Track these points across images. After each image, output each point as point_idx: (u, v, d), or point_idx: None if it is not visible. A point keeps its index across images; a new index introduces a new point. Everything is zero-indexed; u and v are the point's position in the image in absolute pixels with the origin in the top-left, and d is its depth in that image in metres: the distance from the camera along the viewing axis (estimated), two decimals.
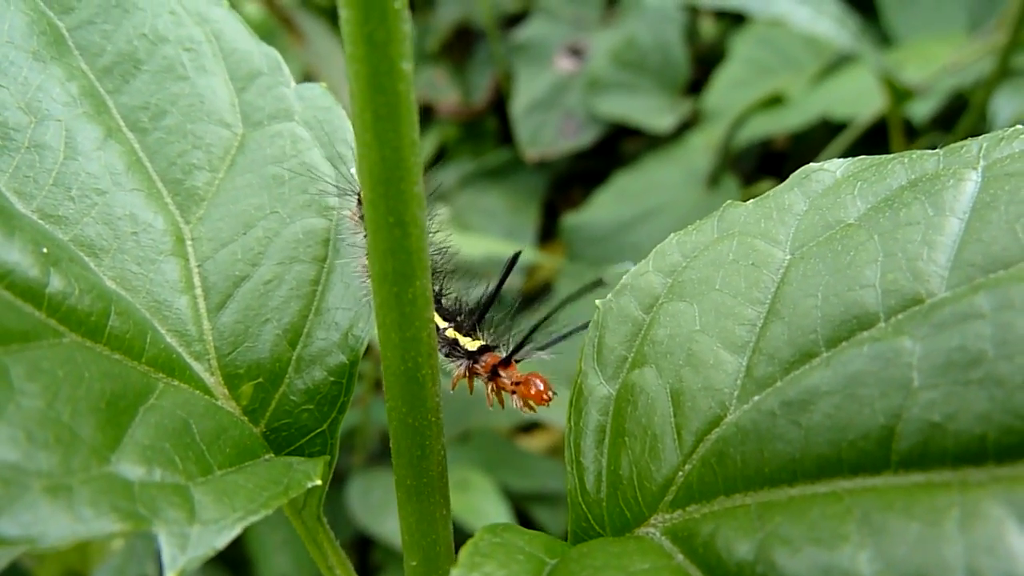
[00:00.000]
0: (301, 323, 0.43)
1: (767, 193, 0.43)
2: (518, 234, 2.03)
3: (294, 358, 0.43)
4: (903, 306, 0.33)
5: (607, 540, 0.36)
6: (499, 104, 2.14)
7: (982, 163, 0.37)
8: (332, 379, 0.43)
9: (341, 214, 0.46)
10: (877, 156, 0.41)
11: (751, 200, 0.43)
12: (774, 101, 1.73)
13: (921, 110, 1.48)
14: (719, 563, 0.31)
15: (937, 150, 0.39)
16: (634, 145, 2.10)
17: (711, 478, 0.35)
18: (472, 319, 0.49)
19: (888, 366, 0.31)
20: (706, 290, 0.40)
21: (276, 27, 2.01)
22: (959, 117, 1.38)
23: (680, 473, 0.36)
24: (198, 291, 0.43)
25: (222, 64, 0.46)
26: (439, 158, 2.19)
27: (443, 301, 0.50)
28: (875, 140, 1.57)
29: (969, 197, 0.35)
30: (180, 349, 0.41)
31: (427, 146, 2.17)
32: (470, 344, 0.48)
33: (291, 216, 0.45)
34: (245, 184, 0.45)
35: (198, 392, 0.40)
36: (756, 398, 0.35)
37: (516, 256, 0.45)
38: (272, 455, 0.39)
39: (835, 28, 1.33)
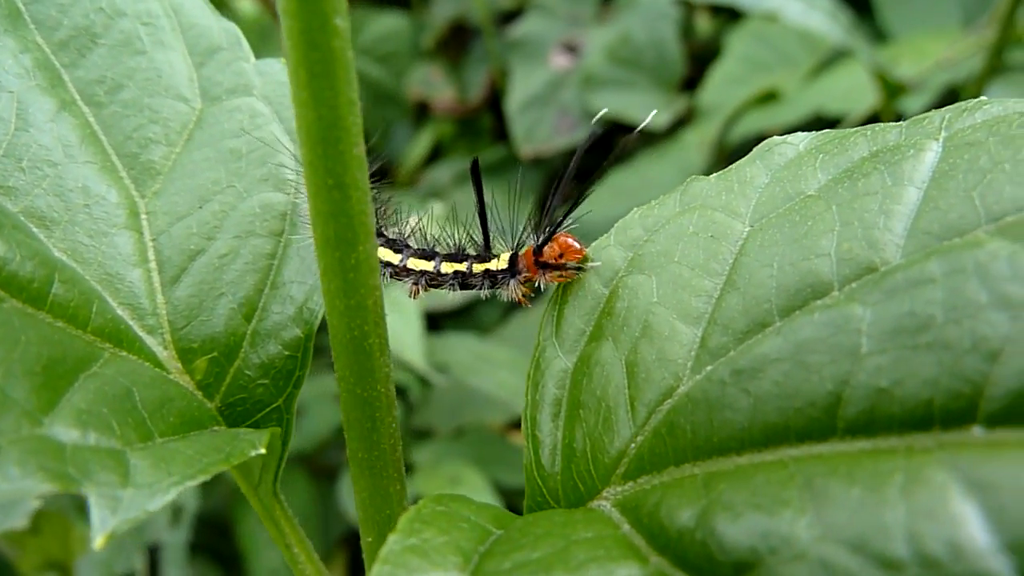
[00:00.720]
0: (256, 297, 0.43)
1: (730, 167, 0.42)
2: (515, 229, 2.02)
3: (249, 332, 0.42)
4: (857, 274, 0.33)
5: (555, 511, 0.36)
6: (494, 101, 2.13)
7: (943, 134, 0.36)
8: (287, 353, 0.42)
9: (299, 188, 0.45)
10: (841, 130, 0.41)
11: (714, 174, 0.42)
12: (768, 98, 1.72)
13: (914, 105, 1.47)
14: (661, 531, 0.30)
15: (899, 123, 0.39)
16: (631, 141, 2.09)
17: (662, 449, 0.34)
18: (482, 247, 0.49)
19: (838, 332, 0.31)
20: (665, 263, 0.39)
21: (268, 24, 2.01)
22: None
23: (632, 445, 0.36)
24: (152, 265, 0.42)
25: (180, 38, 0.46)
26: (435, 155, 2.19)
27: (440, 251, 0.51)
28: None
29: (928, 167, 0.35)
30: (131, 322, 0.40)
31: (423, 143, 2.17)
32: (503, 262, 0.48)
33: (248, 190, 0.44)
34: (203, 158, 0.44)
35: (147, 364, 0.39)
36: (708, 368, 0.35)
37: (475, 164, 0.45)
38: (221, 427, 0.39)
39: (827, 22, 1.33)
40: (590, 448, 0.37)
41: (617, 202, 1.88)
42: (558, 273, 0.45)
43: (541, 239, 0.46)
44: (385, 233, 0.52)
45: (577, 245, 0.46)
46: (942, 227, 0.32)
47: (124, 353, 0.38)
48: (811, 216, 0.36)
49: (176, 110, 0.45)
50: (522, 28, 2.05)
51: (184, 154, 0.44)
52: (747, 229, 0.38)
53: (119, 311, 0.40)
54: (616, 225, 0.44)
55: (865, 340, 0.30)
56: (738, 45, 1.86)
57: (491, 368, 1.54)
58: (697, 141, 1.89)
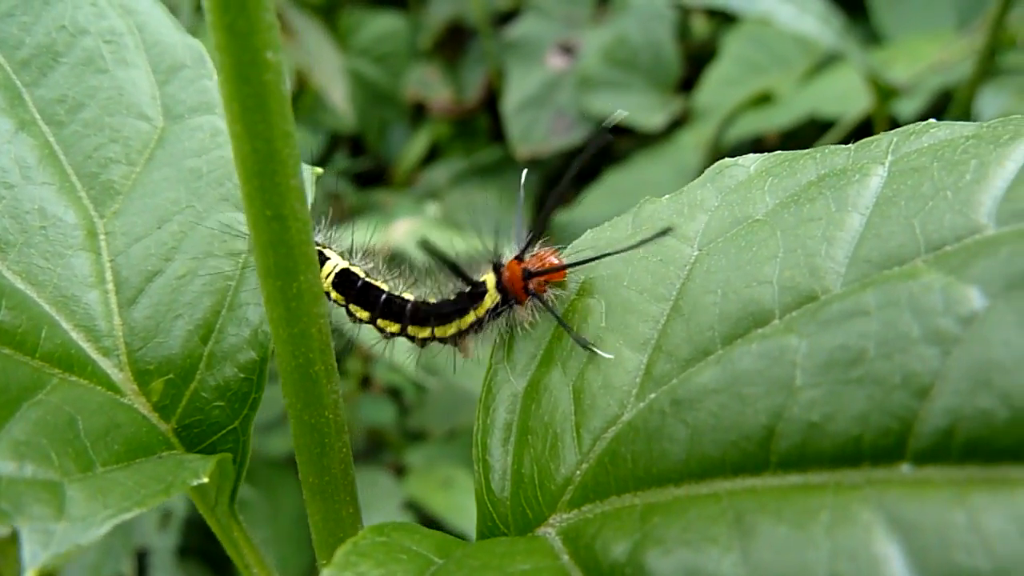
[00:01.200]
0: (214, 319, 0.43)
1: (683, 188, 0.42)
2: (510, 231, 2.02)
3: (206, 354, 0.42)
4: (798, 303, 0.32)
5: (495, 540, 0.36)
6: (491, 102, 2.13)
7: (889, 158, 0.36)
8: (243, 375, 0.42)
9: None
10: (791, 152, 0.40)
11: (667, 195, 0.42)
12: (763, 100, 1.72)
13: (908, 108, 1.46)
14: (595, 564, 0.30)
15: (850, 145, 0.39)
16: (626, 143, 2.09)
17: (604, 478, 0.34)
18: (460, 279, 0.45)
19: (773, 364, 0.31)
20: (615, 286, 0.39)
21: None
22: (945, 115, 1.36)
23: (578, 472, 0.36)
24: (109, 286, 0.42)
25: (144, 56, 0.46)
26: (431, 156, 2.19)
27: (425, 298, 0.47)
28: (861, 139, 1.55)
29: (873, 192, 0.34)
30: (85, 344, 0.40)
31: (419, 144, 2.17)
32: (490, 283, 0.43)
33: (208, 210, 0.44)
34: (163, 178, 0.45)
35: (99, 388, 0.39)
36: (652, 396, 0.34)
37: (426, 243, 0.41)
38: (169, 452, 0.39)
39: (819, 26, 1.32)
40: (538, 474, 0.37)
41: (613, 203, 1.88)
42: (546, 293, 0.42)
43: (522, 249, 0.43)
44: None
45: (556, 261, 0.42)
46: (882, 255, 0.32)
47: (74, 378, 0.38)
48: (756, 242, 0.36)
49: (137, 129, 0.45)
50: (519, 29, 2.05)
51: (144, 173, 0.45)
52: (695, 253, 0.38)
53: (73, 334, 0.40)
54: (571, 246, 0.44)
55: (799, 373, 0.30)
56: (734, 47, 1.86)
57: (483, 370, 1.54)
58: (693, 142, 1.88)
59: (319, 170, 0.46)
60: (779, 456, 0.29)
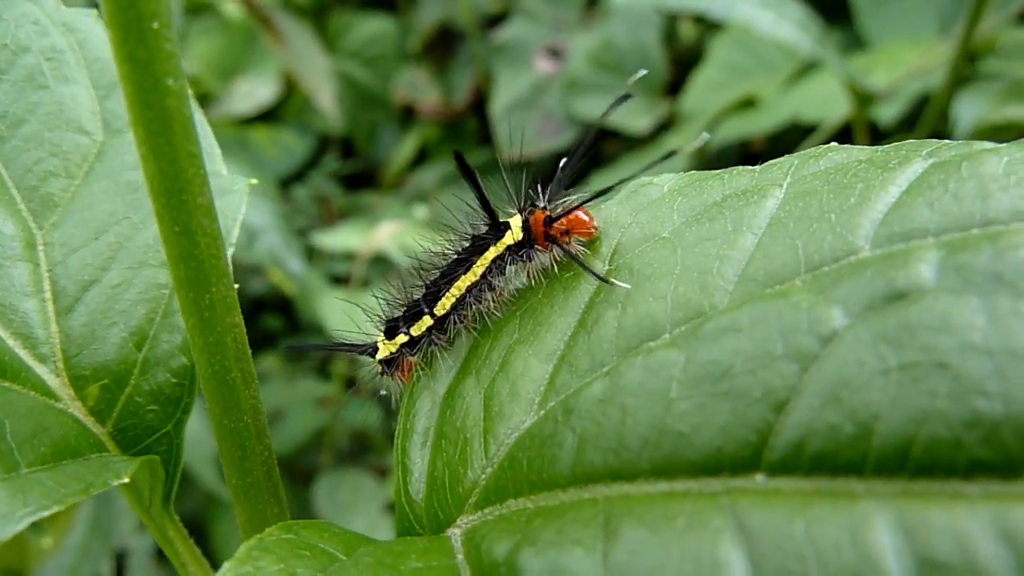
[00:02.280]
0: (147, 326, 0.44)
1: (602, 206, 0.44)
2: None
3: (140, 360, 0.44)
4: (687, 319, 0.34)
5: (399, 540, 0.37)
6: (480, 105, 2.15)
7: (788, 180, 0.37)
8: (175, 381, 0.44)
9: None
10: (703, 171, 0.42)
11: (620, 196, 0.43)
12: (747, 104, 1.73)
13: (887, 114, 1.47)
14: (479, 563, 0.32)
15: (754, 167, 0.40)
16: (614, 147, 2.10)
17: (504, 482, 0.36)
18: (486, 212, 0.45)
19: (654, 377, 0.32)
20: (530, 298, 0.41)
21: (255, 27, 2.03)
22: (921, 121, 1.37)
23: (483, 476, 0.37)
24: (47, 295, 0.44)
25: (85, 72, 0.48)
26: (420, 158, 2.20)
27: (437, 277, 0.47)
28: (842, 142, 1.56)
29: (767, 213, 0.36)
30: (21, 351, 0.42)
31: (408, 146, 2.18)
32: (516, 234, 0.44)
33: (144, 221, 0.46)
34: (101, 190, 0.46)
35: (33, 393, 0.41)
36: (551, 404, 0.36)
37: (459, 156, 0.43)
38: (99, 454, 0.40)
39: (797, 33, 1.33)
40: (449, 478, 0.39)
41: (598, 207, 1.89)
42: (562, 250, 0.42)
43: (549, 198, 0.44)
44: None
45: (586, 217, 0.43)
46: (766, 275, 0.33)
47: (7, 384, 0.40)
48: (659, 259, 0.37)
49: (77, 143, 0.47)
50: (507, 32, 2.06)
51: (84, 186, 0.46)
52: (605, 268, 0.39)
53: (9, 341, 0.42)
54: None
55: (675, 386, 0.31)
56: (720, 51, 1.87)
57: None
58: (679, 146, 1.89)
59: (253, 181, 0.48)
60: (651, 464, 0.30)
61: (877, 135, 1.52)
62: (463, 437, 0.39)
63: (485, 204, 0.46)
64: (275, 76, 2.11)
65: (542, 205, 0.45)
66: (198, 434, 1.40)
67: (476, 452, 0.38)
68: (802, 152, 0.39)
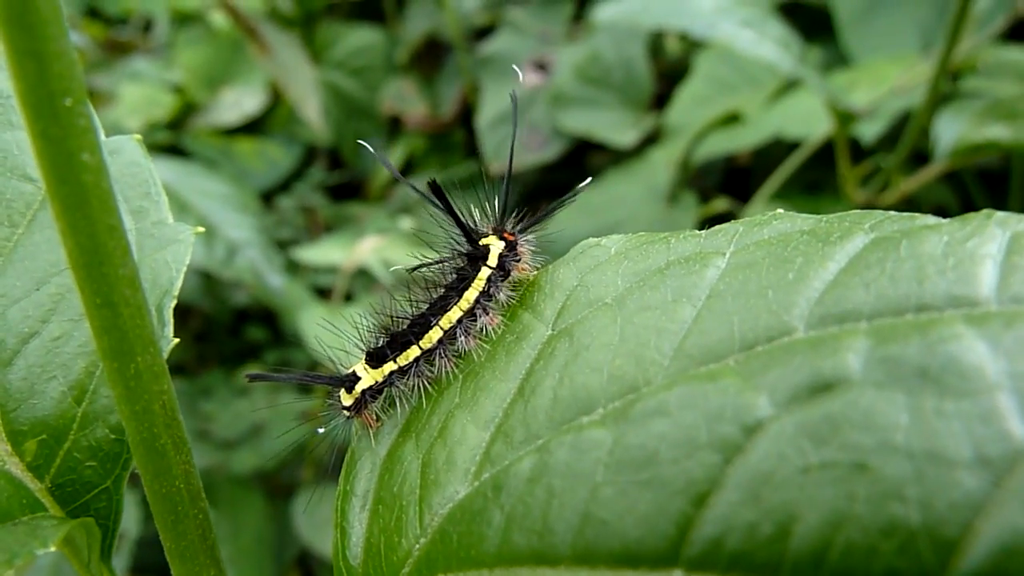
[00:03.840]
0: (87, 380, 0.43)
1: (549, 266, 0.43)
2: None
3: (79, 415, 0.43)
4: (622, 393, 0.33)
5: None
6: (467, 116, 2.14)
7: (731, 248, 0.36)
8: (114, 436, 0.43)
9: None
10: (650, 234, 0.41)
11: (538, 272, 0.43)
12: (731, 119, 1.73)
13: (870, 131, 1.47)
14: None
15: (701, 232, 0.39)
16: (600, 159, 2.10)
17: (436, 555, 0.35)
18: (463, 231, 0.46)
19: (582, 459, 0.31)
20: (470, 362, 0.40)
21: (241, 38, 2.03)
22: (901, 140, 1.37)
23: (417, 547, 0.37)
24: None
25: None
26: (407, 169, 2.20)
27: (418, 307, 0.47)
28: (826, 159, 1.56)
29: (708, 284, 0.35)
30: None
31: (395, 157, 2.17)
32: (498, 249, 0.46)
33: None
34: (44, 240, 0.45)
35: None
36: (486, 476, 0.35)
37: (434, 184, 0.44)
38: (31, 516, 0.40)
39: (778, 52, 1.33)
40: (384, 545, 0.38)
41: (585, 220, 1.89)
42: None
43: (514, 228, 0.47)
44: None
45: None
46: (701, 351, 0.32)
47: None
48: (599, 327, 0.36)
49: (21, 191, 0.46)
50: (494, 45, 2.06)
51: (26, 235, 0.45)
52: (548, 333, 0.39)
53: None
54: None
55: (601, 470, 0.31)
56: (705, 66, 1.86)
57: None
58: (664, 160, 1.89)
59: (200, 229, 0.47)
60: (574, 551, 0.30)
61: (860, 152, 1.52)
62: (400, 504, 0.38)
63: (465, 231, 0.47)
64: (262, 86, 2.11)
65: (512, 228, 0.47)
66: None
67: (411, 521, 0.37)
68: (748, 219, 0.38)
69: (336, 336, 0.51)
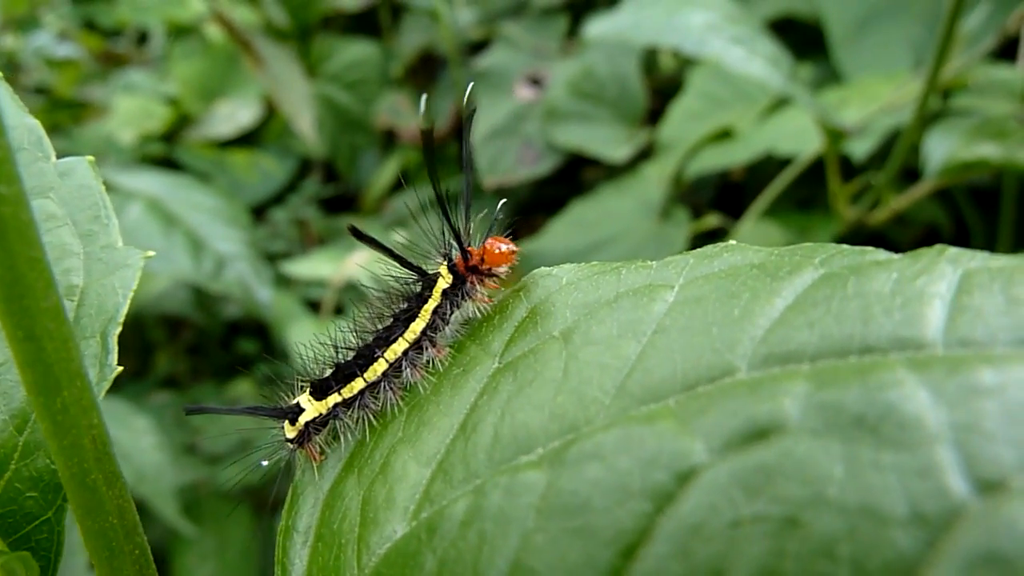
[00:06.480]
0: (28, 408, 0.42)
1: (503, 296, 0.42)
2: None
3: (21, 444, 0.42)
4: (561, 433, 0.32)
5: None
6: (461, 131, 2.13)
7: (680, 281, 0.35)
8: (55, 467, 0.42)
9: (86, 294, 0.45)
10: (602, 264, 0.40)
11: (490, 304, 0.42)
12: (723, 135, 1.72)
13: (861, 148, 1.46)
14: None
15: (652, 263, 0.38)
16: (594, 174, 2.09)
17: None
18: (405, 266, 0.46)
19: (514, 503, 0.30)
20: (415, 395, 0.39)
21: (236, 51, 2.03)
22: (890, 158, 1.36)
23: None
24: None
25: None
26: (400, 183, 2.19)
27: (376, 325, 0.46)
28: (818, 176, 1.55)
29: (654, 319, 0.34)
30: None
31: (389, 171, 2.17)
32: (444, 284, 0.44)
33: None
34: None
35: None
36: (423, 516, 0.34)
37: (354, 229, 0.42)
38: None
39: (768, 70, 1.32)
40: None
41: (578, 234, 1.88)
42: (493, 280, 0.44)
43: (465, 245, 0.45)
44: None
45: (504, 248, 0.45)
46: (643, 390, 0.31)
47: None
48: (544, 361, 0.35)
49: None
50: (488, 59, 2.06)
51: None
52: (494, 366, 0.38)
53: None
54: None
55: (534, 515, 0.29)
56: (698, 82, 1.86)
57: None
58: (657, 175, 1.88)
59: (150, 253, 0.46)
60: None
61: (852, 170, 1.51)
62: (339, 542, 0.37)
63: (406, 264, 0.46)
64: (257, 99, 2.10)
65: (461, 248, 0.46)
66: (158, 466, 1.38)
67: (350, 560, 0.36)
68: (700, 251, 0.37)
69: (322, 349, 0.50)
